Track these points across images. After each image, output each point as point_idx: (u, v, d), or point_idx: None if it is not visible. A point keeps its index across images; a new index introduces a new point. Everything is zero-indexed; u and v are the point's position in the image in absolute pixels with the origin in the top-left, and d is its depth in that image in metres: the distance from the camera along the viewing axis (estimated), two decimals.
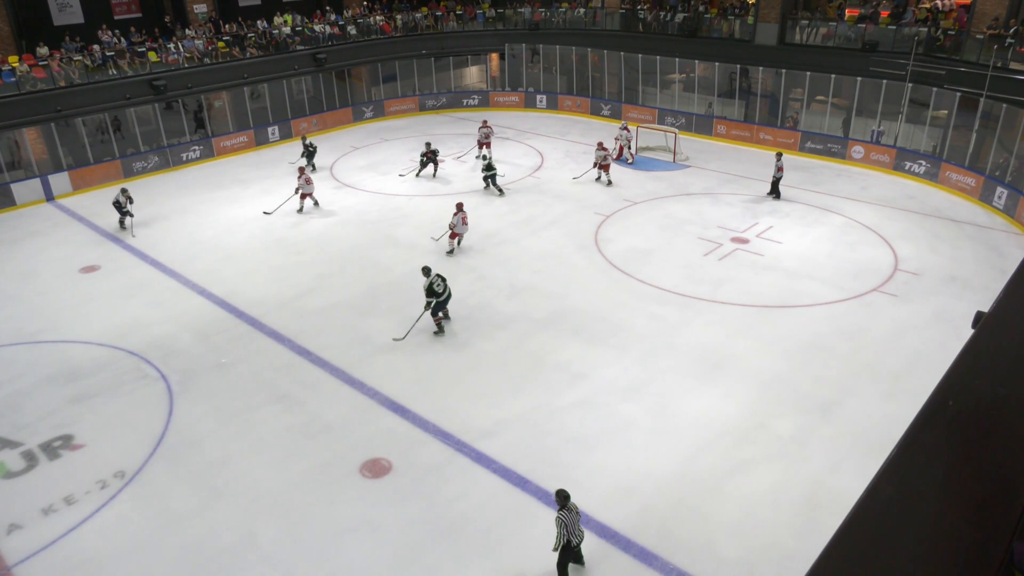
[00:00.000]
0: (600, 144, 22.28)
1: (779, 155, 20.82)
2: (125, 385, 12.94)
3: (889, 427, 10.79)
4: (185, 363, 13.54)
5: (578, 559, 8.85)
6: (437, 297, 13.74)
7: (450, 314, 14.43)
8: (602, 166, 22.09)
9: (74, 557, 9.38)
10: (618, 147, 24.57)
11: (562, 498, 8.55)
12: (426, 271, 13.90)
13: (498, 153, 25.77)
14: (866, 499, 2.85)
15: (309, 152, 23.86)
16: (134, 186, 23.55)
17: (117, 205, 19.32)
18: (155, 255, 18.26)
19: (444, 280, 13.89)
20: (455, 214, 17.45)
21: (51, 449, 11.33)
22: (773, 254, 17.38)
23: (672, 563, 8.97)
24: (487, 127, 24.31)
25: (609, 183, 22.19)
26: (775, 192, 20.84)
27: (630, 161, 24.32)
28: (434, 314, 13.94)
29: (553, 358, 13.36)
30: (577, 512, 8.58)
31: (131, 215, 19.53)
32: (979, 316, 4.67)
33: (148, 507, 10.15)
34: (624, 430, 11.37)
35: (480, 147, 24.32)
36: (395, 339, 13.94)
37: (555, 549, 8.51)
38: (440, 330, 14.10)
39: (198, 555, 9.34)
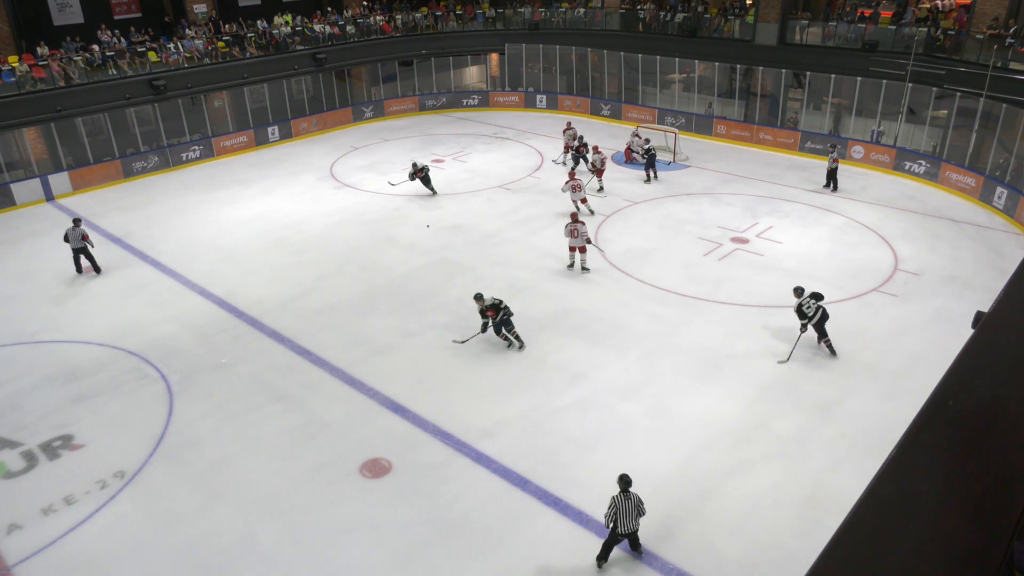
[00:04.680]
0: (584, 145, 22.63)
1: (834, 146, 21.77)
2: (125, 385, 12.94)
3: (889, 427, 10.80)
4: (185, 363, 13.54)
5: (634, 547, 8.98)
6: (808, 320, 12.81)
7: (832, 345, 13.10)
8: (598, 171, 21.56)
9: (74, 557, 9.38)
10: (625, 149, 24.47)
11: (623, 482, 8.63)
12: (798, 291, 13.07)
13: (498, 154, 25.82)
14: (866, 499, 2.85)
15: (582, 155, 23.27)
16: (134, 186, 23.65)
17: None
18: (155, 255, 18.26)
19: (818, 299, 12.85)
20: (567, 224, 16.43)
21: (51, 449, 11.33)
22: (773, 254, 17.38)
23: (672, 563, 8.97)
24: (571, 129, 23.96)
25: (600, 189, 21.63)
26: (832, 184, 21.41)
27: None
28: (822, 335, 13.00)
29: (553, 358, 13.36)
30: (638, 504, 8.61)
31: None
32: (979, 316, 4.68)
33: (148, 507, 10.15)
34: (624, 430, 11.37)
35: (567, 151, 23.95)
36: (780, 361, 13.01)
37: (606, 526, 8.76)
38: (832, 352, 13.04)
39: (198, 555, 9.33)
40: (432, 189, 21.69)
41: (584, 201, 19.54)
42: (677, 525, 9.54)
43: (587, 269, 16.60)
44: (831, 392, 12.21)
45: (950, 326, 13.93)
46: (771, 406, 11.89)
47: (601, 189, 21.65)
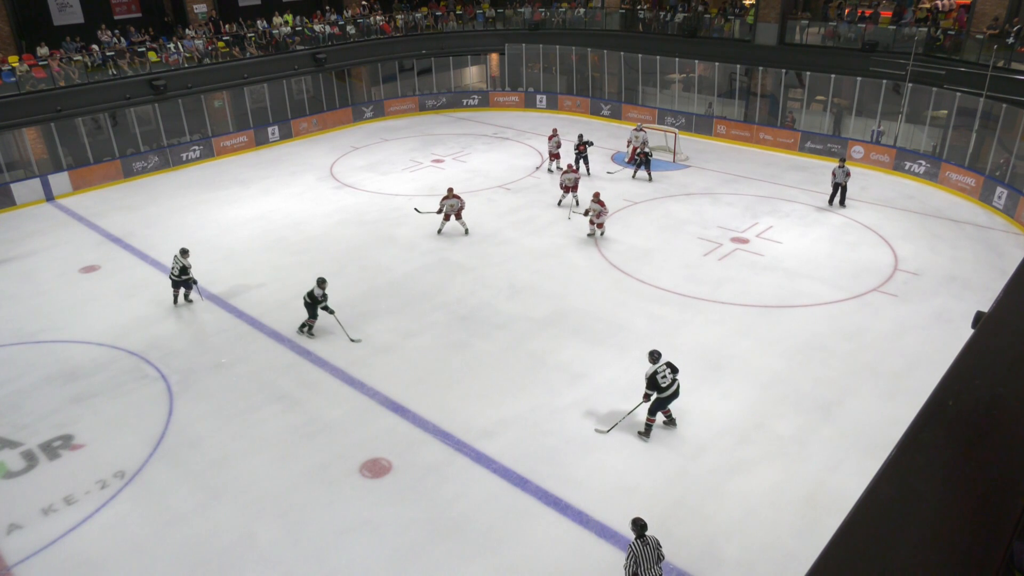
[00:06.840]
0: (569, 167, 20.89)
1: (843, 161, 19.94)
2: (125, 385, 12.94)
3: (889, 427, 10.79)
4: (185, 363, 13.54)
5: None
6: (660, 392, 10.84)
7: (673, 415, 11.33)
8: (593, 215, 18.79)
9: (74, 557, 9.38)
10: (631, 149, 24.36)
11: (638, 527, 8.02)
12: (654, 356, 10.96)
13: (498, 154, 25.82)
14: (866, 499, 2.84)
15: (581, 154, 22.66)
16: (134, 186, 23.64)
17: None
18: (155, 255, 18.26)
19: (675, 372, 10.94)
20: (592, 202, 18.09)
21: (51, 449, 11.33)
22: (773, 254, 17.38)
23: (672, 563, 8.96)
24: (557, 136, 23.35)
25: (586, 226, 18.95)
26: (841, 199, 20.02)
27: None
28: (652, 412, 11.06)
29: (553, 358, 13.36)
30: (657, 549, 7.90)
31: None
32: (979, 316, 4.67)
33: (148, 507, 10.15)
34: (624, 430, 11.37)
35: (552, 159, 23.42)
36: (598, 430, 11.36)
37: None
38: (646, 432, 11.09)
39: (198, 555, 9.33)
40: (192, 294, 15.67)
41: (453, 217, 18.79)
42: (677, 525, 9.54)
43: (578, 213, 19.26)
44: (831, 392, 12.21)
45: (950, 326, 13.93)
46: (771, 406, 11.89)
47: (561, 203, 20.62)
